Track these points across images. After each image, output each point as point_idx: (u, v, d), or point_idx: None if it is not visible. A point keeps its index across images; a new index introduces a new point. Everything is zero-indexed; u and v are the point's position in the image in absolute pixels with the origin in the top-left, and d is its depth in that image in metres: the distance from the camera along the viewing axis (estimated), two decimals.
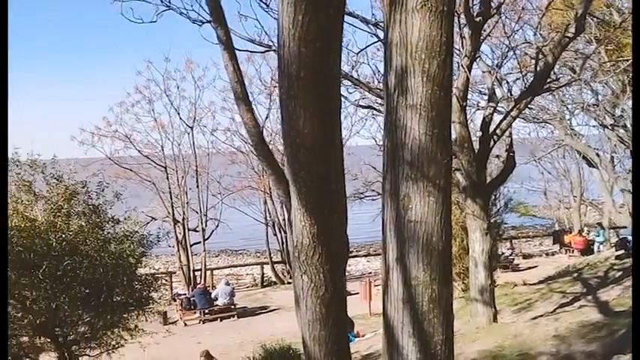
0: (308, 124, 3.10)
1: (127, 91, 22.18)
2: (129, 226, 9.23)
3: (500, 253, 20.23)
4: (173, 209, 22.49)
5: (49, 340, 8.71)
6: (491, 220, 12.17)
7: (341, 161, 3.39)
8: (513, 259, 22.54)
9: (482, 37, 10.11)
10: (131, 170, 22.03)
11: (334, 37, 3.14)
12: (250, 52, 10.67)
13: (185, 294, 20.55)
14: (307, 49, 2.91)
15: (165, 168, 22.48)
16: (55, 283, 8.00)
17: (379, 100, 12.70)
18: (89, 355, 9.11)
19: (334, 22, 3.08)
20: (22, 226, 7.72)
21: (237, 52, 4.87)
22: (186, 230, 22.86)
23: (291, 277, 24.15)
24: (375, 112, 13.38)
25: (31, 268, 7.78)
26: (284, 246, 24.73)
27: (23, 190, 8.39)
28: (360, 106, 12.54)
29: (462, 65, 9.59)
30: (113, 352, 9.05)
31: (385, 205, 3.39)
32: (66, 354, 8.85)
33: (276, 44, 10.20)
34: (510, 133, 11.05)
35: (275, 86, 21.79)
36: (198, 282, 22.21)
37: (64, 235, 8.00)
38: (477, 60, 10.89)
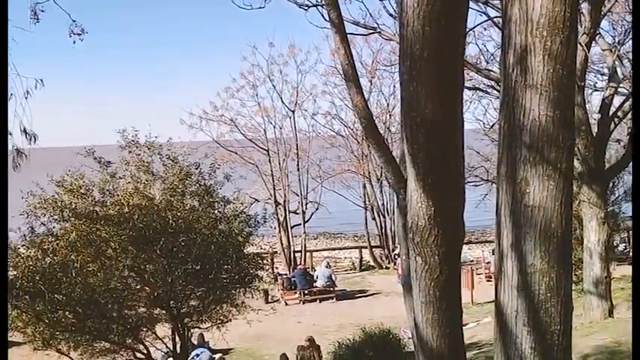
0: (430, 104, 3.04)
1: (233, 76, 22.99)
2: (237, 207, 9.61)
3: (615, 244, 18.99)
4: (275, 191, 23.11)
5: (164, 311, 9.30)
6: (609, 209, 11.43)
7: (461, 142, 3.30)
8: (629, 251, 21.08)
9: (602, 13, 9.44)
10: (236, 153, 22.85)
11: (460, 13, 3.04)
12: (354, 34, 10.62)
13: (286, 274, 21.13)
14: (431, 28, 2.84)
15: (268, 151, 23.11)
16: (170, 258, 8.52)
17: (485, 82, 12.24)
18: (200, 328, 9.64)
19: None
20: (142, 204, 8.28)
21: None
22: (287, 212, 23.43)
23: (389, 262, 24.09)
24: (481, 93, 12.93)
25: (149, 244, 8.33)
26: (383, 231, 24.67)
27: (142, 171, 8.98)
28: (466, 87, 12.16)
29: (580, 43, 9.00)
30: (222, 325, 9.51)
31: (500, 189, 3.27)
32: (179, 325, 9.44)
33: (380, 27, 10.16)
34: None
35: (377, 69, 21.66)
36: (298, 263, 22.75)
37: (179, 214, 8.49)
38: (597, 37, 10.19)
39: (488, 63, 11.63)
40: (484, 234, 28.72)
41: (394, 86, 23.11)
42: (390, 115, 23.12)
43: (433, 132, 3.13)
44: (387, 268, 23.91)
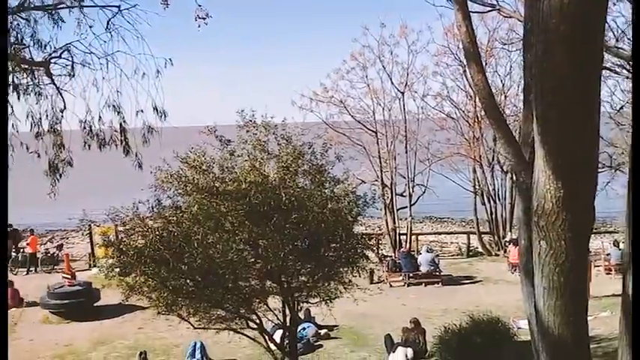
0: (564, 81, 2.90)
1: (343, 58, 23.12)
2: (347, 187, 9.74)
3: None
4: (382, 173, 23.11)
5: (275, 285, 9.68)
6: None
7: (597, 123, 3.11)
8: None
9: None
10: (344, 134, 23.06)
11: None
12: (471, 12, 10.26)
13: (391, 256, 21.15)
14: (569, 1, 2.70)
15: (376, 133, 23.12)
16: (282, 234, 8.83)
17: (614, 60, 11.38)
18: (309, 303, 9.94)
19: None
20: (258, 181, 8.62)
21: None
22: (394, 194, 23.37)
23: (499, 250, 23.33)
24: (607, 73, 12.03)
25: (264, 219, 8.67)
26: (493, 216, 23.89)
27: (258, 149, 9.34)
28: None
29: None
30: (330, 302, 9.74)
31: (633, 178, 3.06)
32: (289, 299, 9.79)
33: (499, 3, 9.74)
34: None
35: (492, 48, 20.80)
36: (402, 246, 22.69)
37: (291, 191, 8.75)
38: None
39: (618, 40, 10.78)
40: (604, 224, 26.90)
41: (510, 66, 22.15)
42: (505, 97, 22.19)
43: (567, 110, 2.97)
44: (497, 255, 23.18)
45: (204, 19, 6.64)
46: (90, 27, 5.99)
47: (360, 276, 10.23)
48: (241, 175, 8.84)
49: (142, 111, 6.23)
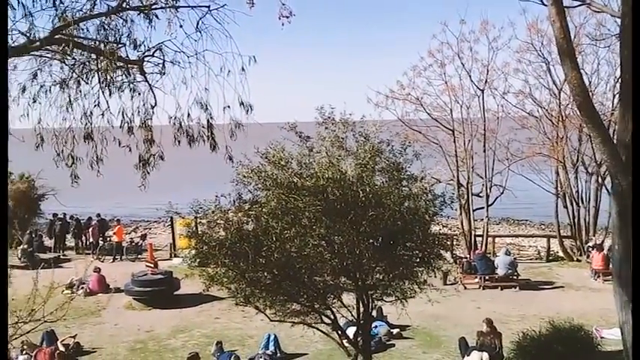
0: None
1: (421, 54, 22.82)
2: (424, 185, 9.63)
3: None
4: (458, 173, 22.64)
5: (349, 281, 9.72)
6: None
7: None
8: None
9: None
10: (420, 132, 22.77)
11: None
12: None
13: (466, 258, 20.70)
14: None
15: (453, 131, 22.66)
16: (359, 231, 8.85)
17: None
18: (384, 301, 9.91)
19: None
20: (336, 177, 8.68)
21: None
22: (470, 195, 22.83)
23: (581, 255, 22.30)
24: None
25: (340, 216, 8.72)
26: (575, 220, 22.83)
27: (336, 146, 9.41)
28: None
29: None
30: (406, 301, 9.67)
31: None
32: (364, 296, 9.80)
33: None
34: None
35: (579, 43, 19.86)
36: (478, 247, 22.15)
37: (368, 189, 8.76)
38: None
39: None
40: None
41: (598, 63, 21.09)
42: (592, 94, 21.17)
43: None
44: (578, 260, 22.17)
45: (287, 17, 6.76)
46: (180, 26, 6.23)
47: (435, 276, 10.10)
48: (319, 172, 8.94)
49: (228, 107, 6.43)
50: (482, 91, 22.47)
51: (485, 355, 12.08)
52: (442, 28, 21.91)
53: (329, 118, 9.56)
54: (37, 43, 5.52)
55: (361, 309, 9.95)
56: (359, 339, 10.41)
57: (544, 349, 10.58)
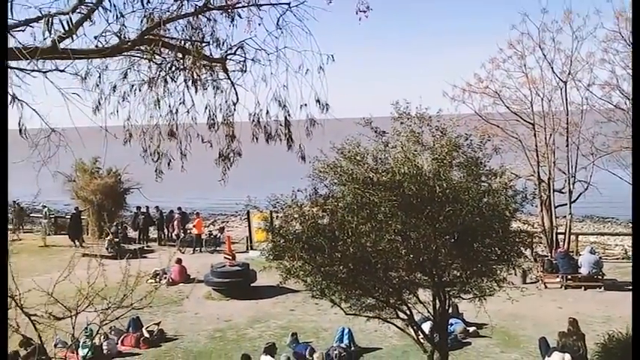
0: None
1: (500, 46, 22.11)
2: (503, 181, 9.37)
3: None
4: (539, 168, 21.81)
5: (425, 277, 9.62)
6: None
7: None
8: None
9: None
10: (498, 126, 22.10)
11: None
12: None
13: (547, 256, 19.98)
14: None
15: (533, 125, 21.82)
16: (435, 227, 8.74)
17: None
18: (462, 298, 9.75)
19: None
20: (412, 172, 8.62)
21: None
22: (552, 191, 21.94)
23: None
24: None
25: (417, 211, 8.65)
26: None
27: (412, 141, 9.33)
28: None
29: None
30: (484, 299, 9.47)
31: None
32: (440, 293, 9.68)
33: None
34: None
35: None
36: (560, 245, 21.30)
37: (445, 184, 8.63)
38: None
39: None
40: None
41: None
42: None
43: None
44: None
45: (364, 12, 6.76)
46: (259, 24, 6.38)
47: (515, 274, 9.82)
48: (395, 167, 8.91)
49: (305, 105, 6.52)
50: (565, 83, 21.49)
51: (568, 356, 11.65)
52: (522, 18, 21.14)
53: (404, 112, 9.49)
54: (129, 44, 5.83)
55: (437, 305, 9.84)
56: (435, 335, 10.30)
57: (632, 353, 10.04)
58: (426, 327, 11.02)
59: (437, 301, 9.77)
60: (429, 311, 10.03)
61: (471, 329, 14.47)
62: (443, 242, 8.92)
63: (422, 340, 10.22)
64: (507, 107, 22.26)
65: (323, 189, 9.38)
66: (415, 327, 10.06)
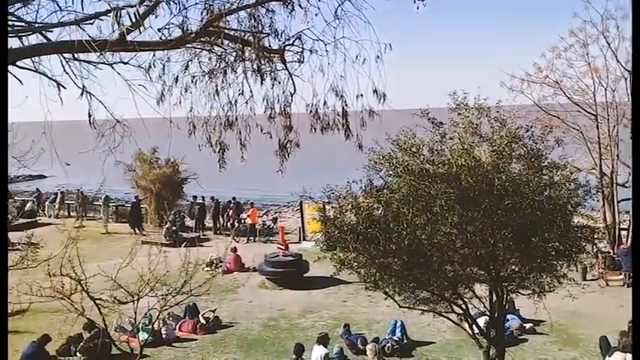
0: None
1: (561, 35, 21.33)
2: (566, 174, 9.07)
3: None
4: (601, 161, 20.98)
5: (482, 272, 9.44)
6: None
7: None
8: None
9: None
10: (558, 117, 21.38)
11: None
12: None
13: (609, 252, 19.25)
14: None
15: (596, 116, 20.99)
16: (493, 220, 8.55)
17: None
18: (520, 294, 9.52)
19: None
20: (470, 164, 8.45)
21: None
22: (614, 184, 21.09)
23: None
24: None
25: (474, 204, 8.48)
26: None
27: (469, 132, 9.14)
28: None
29: None
30: (544, 295, 9.23)
31: None
32: (497, 288, 9.48)
33: None
34: None
35: None
36: (623, 242, 20.46)
37: (505, 177, 8.42)
38: None
39: None
40: None
41: None
42: None
43: None
44: None
45: (422, 0, 6.65)
46: (315, 15, 6.38)
47: (576, 270, 9.50)
48: (452, 158, 8.75)
49: (361, 95, 6.50)
50: (630, 72, 20.54)
51: (629, 356, 11.18)
52: (585, 6, 20.31)
53: (462, 103, 9.30)
54: (192, 36, 5.94)
55: (494, 300, 9.64)
56: (491, 331, 10.11)
57: None
58: (481, 322, 10.84)
59: (493, 295, 9.57)
60: (485, 306, 9.85)
61: (528, 326, 14.13)
62: (501, 236, 8.72)
63: (477, 336, 10.05)
64: (569, 97, 21.47)
65: (378, 180, 9.33)
66: (471, 321, 9.90)
